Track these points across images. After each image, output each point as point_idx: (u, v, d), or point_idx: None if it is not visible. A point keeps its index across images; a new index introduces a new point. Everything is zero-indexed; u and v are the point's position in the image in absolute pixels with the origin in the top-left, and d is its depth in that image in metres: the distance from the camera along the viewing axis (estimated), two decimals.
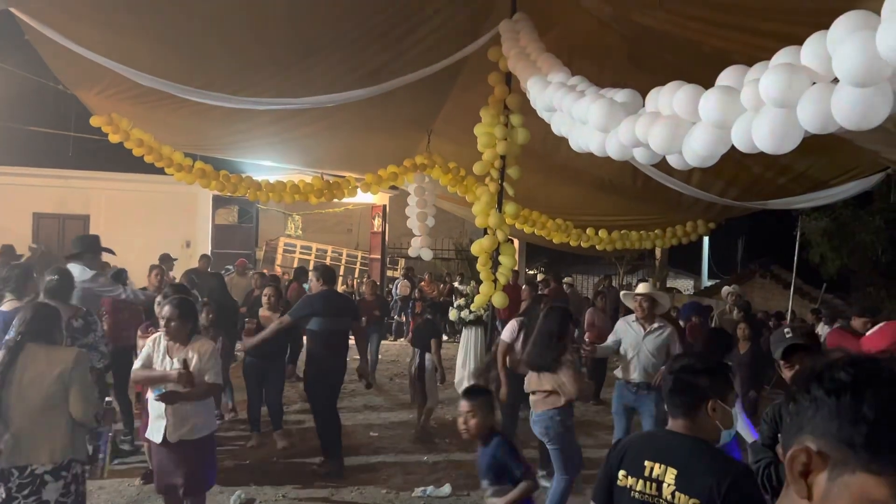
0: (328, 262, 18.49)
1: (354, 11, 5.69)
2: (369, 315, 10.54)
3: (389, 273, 17.34)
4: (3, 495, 3.45)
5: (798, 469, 0.94)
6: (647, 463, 2.25)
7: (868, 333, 2.43)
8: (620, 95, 3.83)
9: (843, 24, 2.39)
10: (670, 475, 2.19)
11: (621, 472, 2.31)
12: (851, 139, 5.22)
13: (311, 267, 12.64)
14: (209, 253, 14.12)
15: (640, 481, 2.25)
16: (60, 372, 3.48)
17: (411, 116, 8.61)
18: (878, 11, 2.26)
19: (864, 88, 2.33)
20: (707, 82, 3.10)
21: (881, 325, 2.65)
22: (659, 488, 2.21)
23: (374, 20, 5.83)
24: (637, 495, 2.26)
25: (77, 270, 5.83)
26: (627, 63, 6.01)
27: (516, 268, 9.07)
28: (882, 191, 10.75)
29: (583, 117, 3.91)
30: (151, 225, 15.16)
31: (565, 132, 4.35)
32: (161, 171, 9.53)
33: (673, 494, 2.17)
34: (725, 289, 10.57)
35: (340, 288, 16.63)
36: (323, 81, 6.57)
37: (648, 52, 5.85)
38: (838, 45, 2.36)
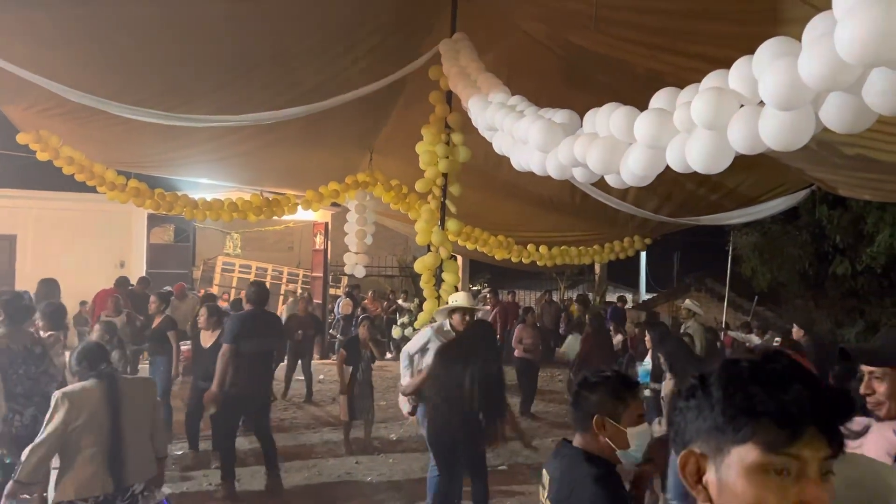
0: (268, 280, 18.15)
1: (291, 29, 5.64)
2: (302, 332, 10.30)
3: (332, 291, 17.11)
4: None
5: (692, 477, 1.02)
6: (544, 472, 2.36)
7: None
8: (559, 116, 3.89)
9: (767, 50, 2.48)
10: (549, 483, 2.28)
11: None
12: (778, 157, 5.42)
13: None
14: (144, 273, 13.72)
15: (541, 489, 2.37)
16: None
17: (353, 134, 8.58)
18: (798, 38, 2.37)
19: (789, 112, 2.43)
20: (641, 103, 3.18)
21: None
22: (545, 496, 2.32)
23: (311, 38, 5.80)
24: None
25: None
26: (565, 83, 6.13)
27: (459, 284, 9.07)
28: (808, 206, 11.20)
29: (523, 137, 3.96)
30: (83, 245, 14.59)
31: (506, 151, 4.39)
32: (93, 189, 9.23)
33: (546, 502, 2.28)
34: (683, 303, 10.38)
35: (280, 307, 16.33)
36: (261, 98, 6.48)
37: (584, 73, 5.97)
38: (763, 70, 2.45)
